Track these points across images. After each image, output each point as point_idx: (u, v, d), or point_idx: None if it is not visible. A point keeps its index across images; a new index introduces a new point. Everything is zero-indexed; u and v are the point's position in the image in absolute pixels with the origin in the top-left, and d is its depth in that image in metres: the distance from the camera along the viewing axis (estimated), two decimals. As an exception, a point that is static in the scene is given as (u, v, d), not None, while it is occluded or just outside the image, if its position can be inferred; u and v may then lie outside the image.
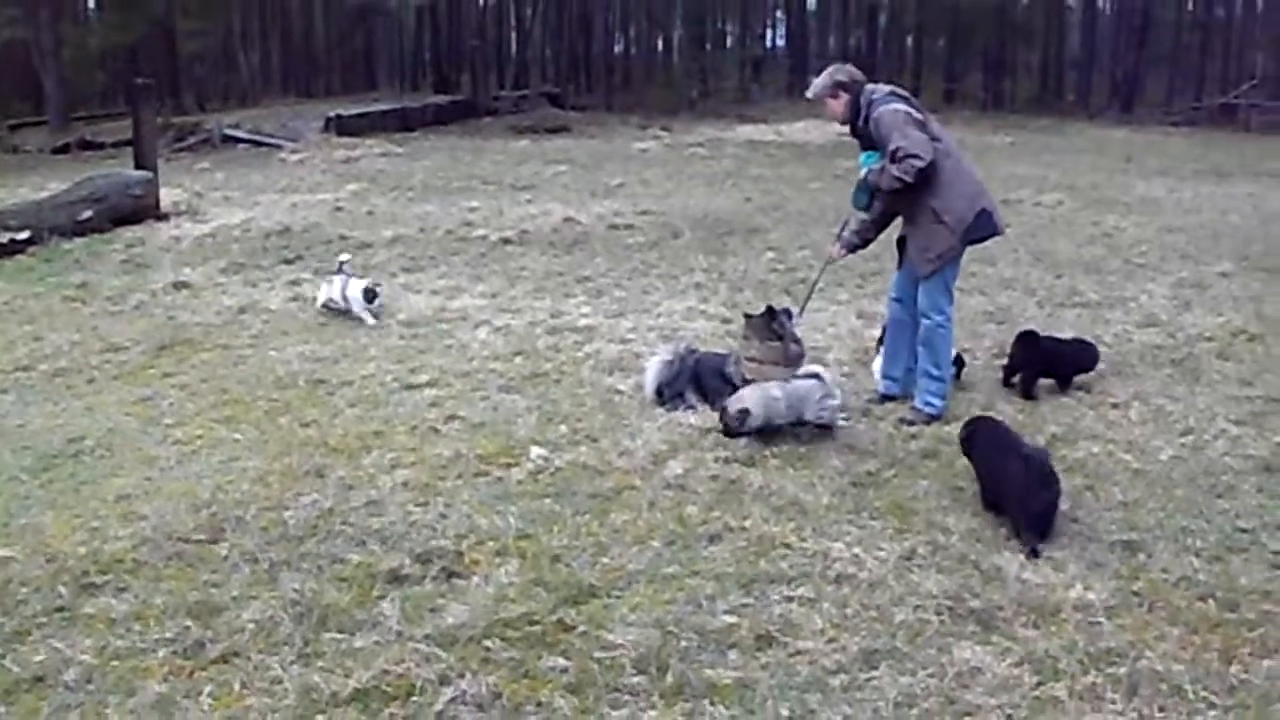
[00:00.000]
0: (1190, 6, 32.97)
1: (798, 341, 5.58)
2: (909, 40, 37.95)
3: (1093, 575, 3.88)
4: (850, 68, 5.63)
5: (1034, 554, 4.01)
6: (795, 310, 5.84)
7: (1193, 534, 4.26)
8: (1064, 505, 4.47)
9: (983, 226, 5.51)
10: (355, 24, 32.23)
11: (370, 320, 7.52)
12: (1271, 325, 7.53)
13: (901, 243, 5.77)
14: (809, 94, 5.66)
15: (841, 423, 5.43)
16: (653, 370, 5.77)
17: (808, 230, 11.12)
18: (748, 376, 5.50)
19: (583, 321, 7.53)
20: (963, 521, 4.31)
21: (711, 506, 4.43)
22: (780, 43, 39.95)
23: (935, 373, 5.58)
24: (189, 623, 3.55)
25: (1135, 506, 4.53)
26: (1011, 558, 4.00)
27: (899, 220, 5.73)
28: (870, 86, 5.51)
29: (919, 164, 5.22)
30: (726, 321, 7.61)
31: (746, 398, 5.07)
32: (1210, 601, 3.70)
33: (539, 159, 16.50)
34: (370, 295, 7.60)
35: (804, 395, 5.08)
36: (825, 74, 5.59)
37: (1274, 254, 10.09)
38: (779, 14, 39.87)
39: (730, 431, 5.03)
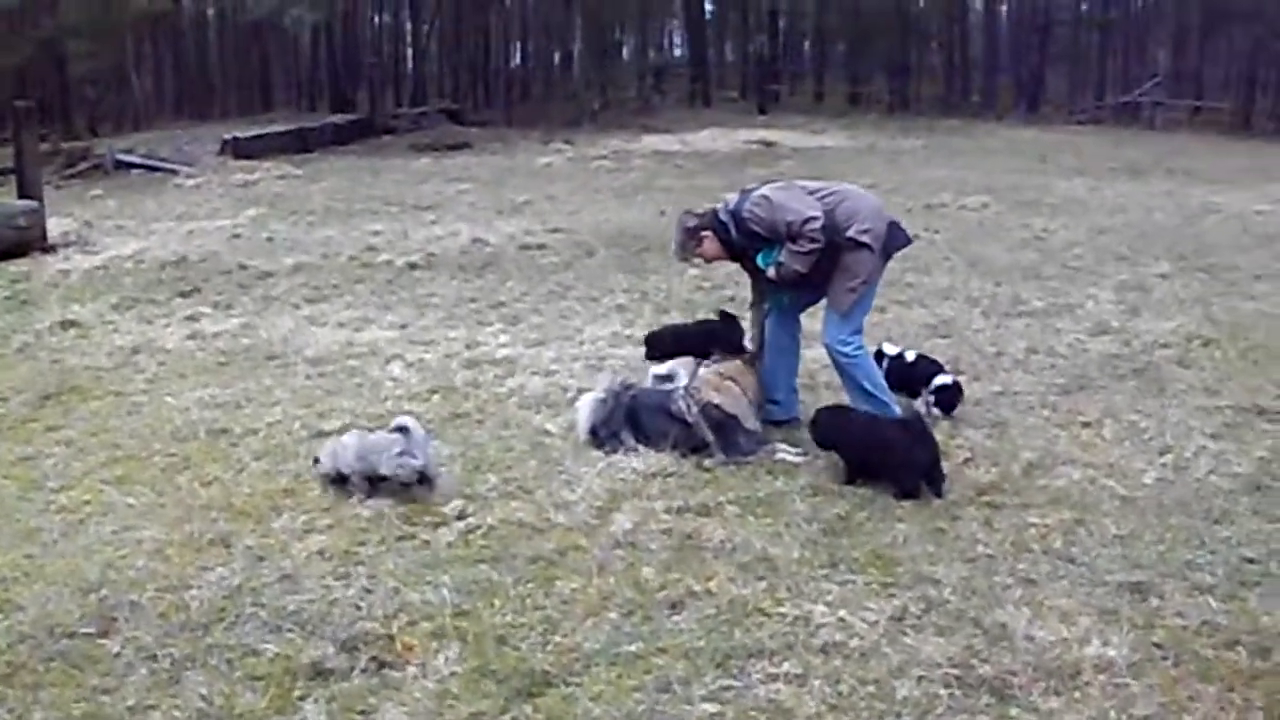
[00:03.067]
0: (1086, 6, 33.90)
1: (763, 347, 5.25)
2: (807, 45, 38.35)
3: (1107, 627, 3.54)
4: (686, 211, 5.54)
5: (909, 495, 4.50)
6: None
7: (1199, 569, 3.97)
8: (1056, 542, 4.21)
9: (897, 238, 5.30)
10: (250, 43, 31.13)
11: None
12: (1224, 329, 7.43)
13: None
14: (676, 257, 5.61)
15: (798, 459, 5.04)
16: (585, 410, 5.30)
17: (732, 243, 10.79)
18: (715, 401, 5.08)
19: (501, 352, 7.03)
20: (953, 571, 3.93)
21: (669, 566, 3.97)
22: (680, 51, 39.94)
23: (881, 396, 5.26)
24: (73, 744, 2.98)
25: (1132, 540, 4.22)
26: (1015, 612, 3.62)
27: None
28: (716, 207, 5.38)
29: (817, 223, 4.98)
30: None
31: (325, 445, 4.83)
32: (1239, 649, 3.39)
33: (441, 177, 15.97)
34: None
35: (379, 449, 4.62)
36: (675, 231, 5.47)
37: (1206, 254, 10.12)
38: (677, 23, 39.86)
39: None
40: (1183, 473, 4.95)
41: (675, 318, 7.97)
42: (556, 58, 36.45)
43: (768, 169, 17.33)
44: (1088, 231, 11.41)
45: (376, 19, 31.28)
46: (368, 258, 10.25)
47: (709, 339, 6.12)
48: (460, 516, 4.42)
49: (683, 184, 15.67)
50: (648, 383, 5.65)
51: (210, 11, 31.18)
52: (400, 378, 6.56)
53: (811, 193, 5.15)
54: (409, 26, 32.60)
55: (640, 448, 5.06)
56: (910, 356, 5.73)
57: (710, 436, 5.03)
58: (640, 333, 7.52)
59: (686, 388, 5.25)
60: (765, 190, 5.19)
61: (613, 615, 3.63)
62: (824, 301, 5.41)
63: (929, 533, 4.28)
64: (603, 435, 5.19)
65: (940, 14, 33.01)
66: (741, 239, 5.23)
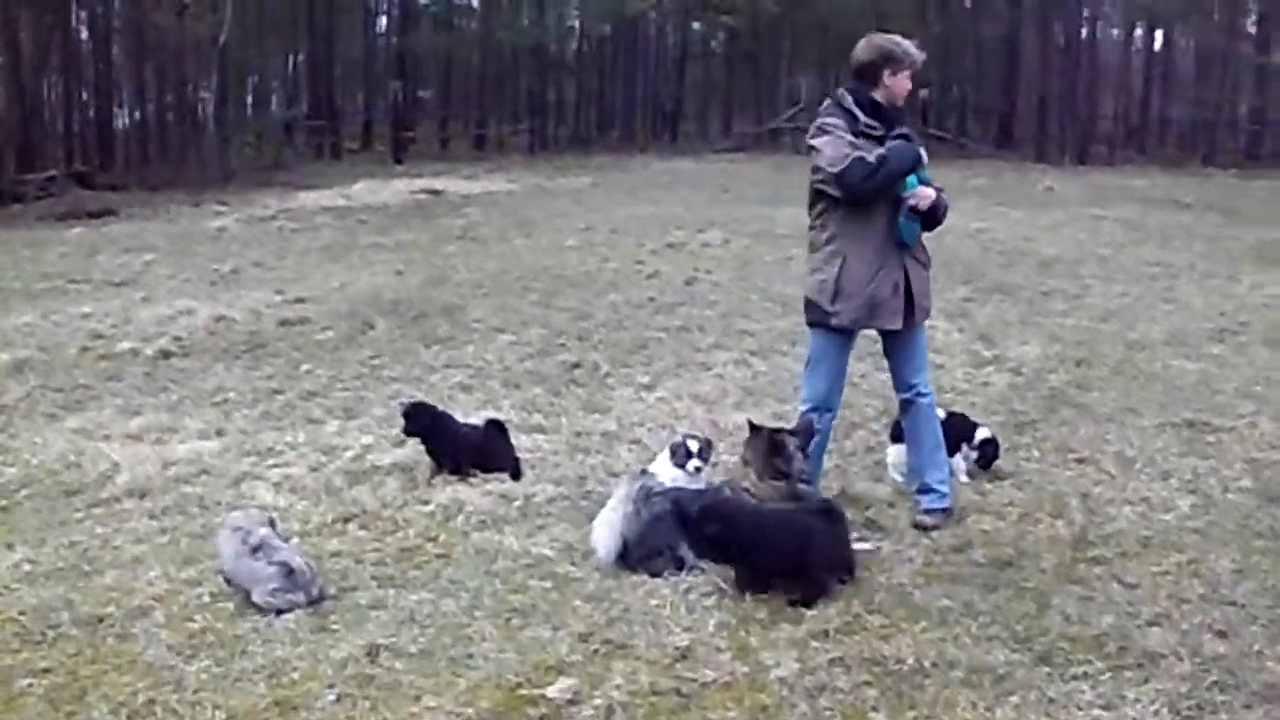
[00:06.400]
0: (726, 38, 36.27)
1: (806, 480, 4.62)
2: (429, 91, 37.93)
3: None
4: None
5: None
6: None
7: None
8: (1199, 588, 4.24)
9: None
10: None
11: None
12: (1079, 349, 8.05)
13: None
14: (919, 59, 4.81)
15: (873, 547, 4.64)
16: (613, 526, 4.52)
17: (511, 303, 10.16)
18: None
19: (384, 459, 5.95)
20: (1164, 639, 3.83)
21: (894, 706, 3.45)
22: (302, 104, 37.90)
23: (942, 453, 5.03)
24: None
25: (1252, 571, 4.43)
26: (1246, 661, 3.63)
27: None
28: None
29: None
30: (544, 432, 6.44)
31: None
32: None
33: (113, 248, 13.79)
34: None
35: (256, 578, 4.23)
36: (912, 44, 4.82)
37: (981, 275, 11.04)
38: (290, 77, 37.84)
39: None
40: (1204, 496, 5.31)
41: (543, 395, 7.25)
42: (185, 116, 33.08)
43: (461, 219, 16.72)
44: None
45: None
46: (103, 347, 8.48)
47: (485, 451, 5.74)
48: (574, 700, 3.54)
49: (388, 240, 14.64)
50: (622, 488, 4.83)
51: None
52: (279, 505, 5.30)
53: None
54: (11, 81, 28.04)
55: (704, 565, 4.37)
56: (941, 414, 5.50)
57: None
58: (519, 417, 6.76)
59: (730, 485, 4.63)
60: None
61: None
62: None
63: (1080, 602, 4.18)
64: (638, 555, 4.44)
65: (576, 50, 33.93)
66: (901, 134, 4.74)
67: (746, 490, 4.54)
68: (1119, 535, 4.74)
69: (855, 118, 4.76)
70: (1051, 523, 4.88)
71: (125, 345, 8.50)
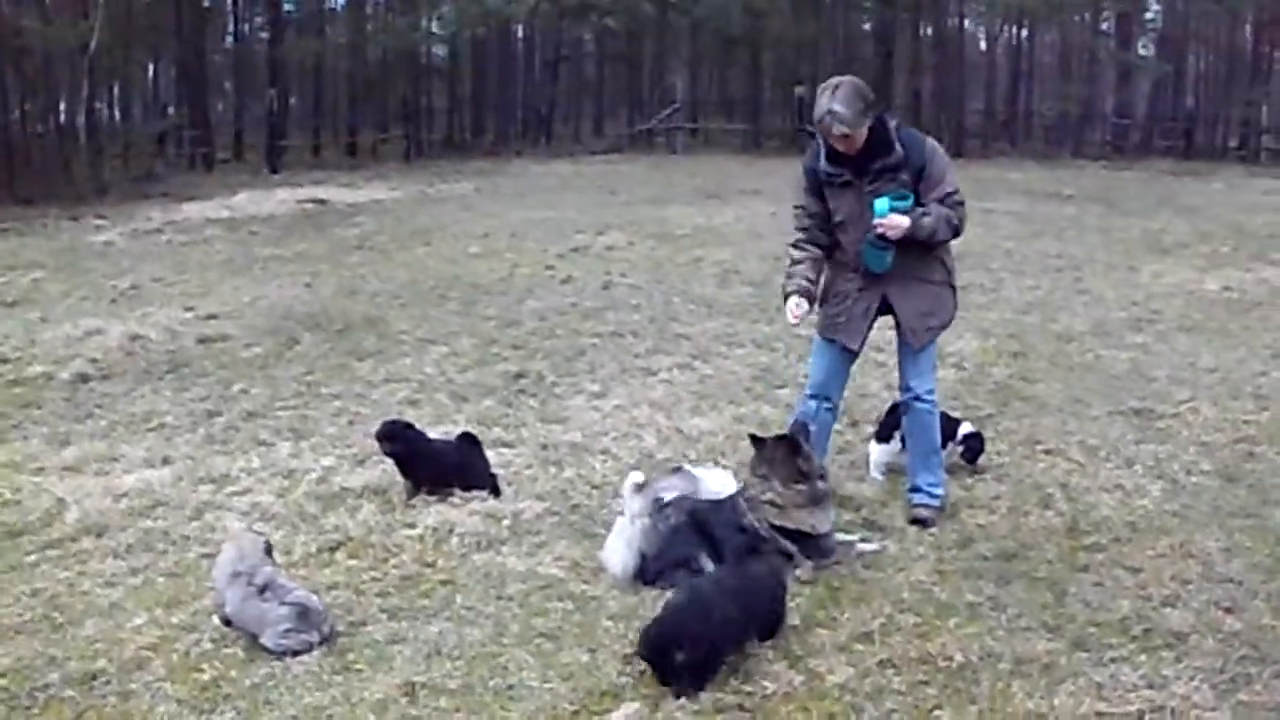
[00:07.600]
0: (596, 38, 36.32)
1: (824, 478, 4.68)
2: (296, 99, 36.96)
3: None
4: (857, 81, 4.74)
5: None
6: None
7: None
8: (1196, 568, 4.49)
9: None
10: None
11: None
12: (1011, 342, 8.44)
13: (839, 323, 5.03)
14: (847, 129, 4.55)
15: (878, 547, 4.77)
16: (631, 541, 4.50)
17: (432, 314, 10.04)
18: (775, 522, 4.54)
19: (352, 480, 5.79)
20: (1183, 619, 4.06)
21: (955, 704, 3.59)
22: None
23: (937, 458, 5.18)
24: None
25: (1239, 550, 4.73)
26: (1262, 634, 3.92)
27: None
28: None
29: (963, 210, 4.88)
30: (508, 445, 6.39)
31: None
32: None
33: None
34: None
35: (264, 620, 4.09)
36: (849, 96, 4.55)
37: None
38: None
39: None
40: (1172, 482, 5.64)
41: (485, 405, 7.18)
42: (51, 125, 31.28)
43: (355, 228, 16.38)
44: (760, 260, 12.22)
45: None
46: (11, 372, 8.01)
47: (462, 467, 5.64)
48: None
49: (287, 252, 14.23)
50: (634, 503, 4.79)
51: None
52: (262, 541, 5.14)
53: None
54: None
55: (722, 573, 4.42)
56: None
57: (792, 547, 4.53)
58: (477, 430, 6.65)
59: (744, 496, 4.65)
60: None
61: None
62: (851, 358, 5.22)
63: (1095, 589, 4.40)
64: (657, 569, 4.46)
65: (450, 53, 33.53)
66: (898, 157, 4.70)
67: (770, 502, 4.56)
68: (1106, 522, 5.01)
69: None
70: (1041, 513, 5.12)
71: (36, 369, 8.06)
